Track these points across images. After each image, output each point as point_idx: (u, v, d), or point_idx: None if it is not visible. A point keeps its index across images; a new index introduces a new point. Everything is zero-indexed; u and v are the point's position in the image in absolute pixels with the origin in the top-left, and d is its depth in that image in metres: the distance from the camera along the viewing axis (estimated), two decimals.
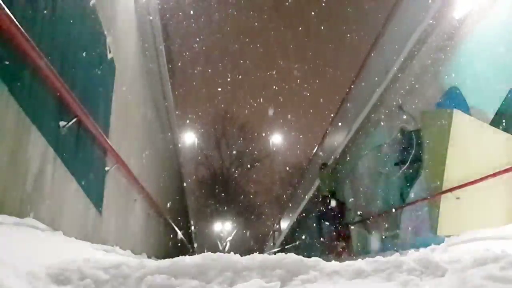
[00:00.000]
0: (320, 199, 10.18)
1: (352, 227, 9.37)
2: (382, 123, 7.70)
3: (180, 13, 18.71)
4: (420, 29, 5.85)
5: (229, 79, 29.05)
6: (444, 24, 5.43)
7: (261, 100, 34.22)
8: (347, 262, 2.25)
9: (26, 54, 2.63)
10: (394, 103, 7.06)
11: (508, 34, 4.32)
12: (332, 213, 9.49)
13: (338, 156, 10.22)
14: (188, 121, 22.74)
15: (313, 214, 12.77)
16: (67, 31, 3.42)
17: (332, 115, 11.82)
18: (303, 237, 15.50)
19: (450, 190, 4.87)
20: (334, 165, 10.32)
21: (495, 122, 4.50)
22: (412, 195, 6.20)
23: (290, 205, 18.95)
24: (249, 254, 2.23)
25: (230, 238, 31.37)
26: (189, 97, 25.97)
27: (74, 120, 3.44)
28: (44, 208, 3.03)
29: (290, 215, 17.95)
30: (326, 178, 9.98)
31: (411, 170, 6.29)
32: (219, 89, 29.69)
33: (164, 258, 2.90)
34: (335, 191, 9.79)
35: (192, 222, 23.69)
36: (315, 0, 28.87)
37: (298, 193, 16.83)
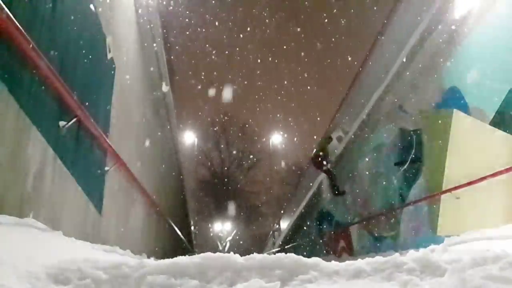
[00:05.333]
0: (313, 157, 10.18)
1: (352, 227, 9.37)
2: (382, 123, 7.70)
3: (180, 13, 18.71)
4: (420, 29, 5.86)
5: (229, 79, 29.06)
6: (444, 24, 5.43)
7: (261, 100, 34.29)
8: (347, 262, 2.25)
9: (26, 54, 2.63)
10: (394, 103, 7.06)
11: (508, 34, 4.32)
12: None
13: (338, 156, 10.21)
14: (188, 121, 22.75)
15: (316, 207, 12.70)
16: (67, 31, 3.42)
17: (332, 115, 11.81)
18: (303, 237, 15.50)
19: (450, 190, 4.86)
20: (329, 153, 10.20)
21: (495, 122, 4.50)
22: (412, 195, 6.20)
23: (290, 205, 18.94)
24: (248, 254, 2.22)
25: (230, 238, 31.36)
26: (189, 97, 25.97)
27: (74, 120, 3.44)
28: (44, 208, 3.03)
29: (290, 215, 17.94)
30: (323, 147, 9.93)
31: (411, 170, 6.29)
32: (219, 88, 29.69)
33: (164, 258, 2.90)
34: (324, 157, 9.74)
35: (192, 222, 23.69)
36: (315, 0, 28.89)
37: (298, 193, 16.82)
